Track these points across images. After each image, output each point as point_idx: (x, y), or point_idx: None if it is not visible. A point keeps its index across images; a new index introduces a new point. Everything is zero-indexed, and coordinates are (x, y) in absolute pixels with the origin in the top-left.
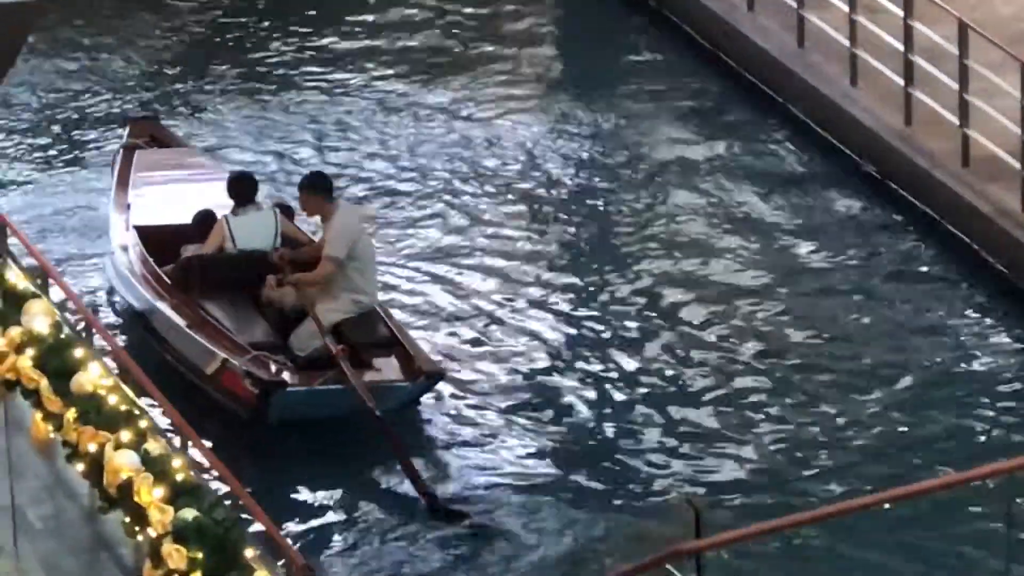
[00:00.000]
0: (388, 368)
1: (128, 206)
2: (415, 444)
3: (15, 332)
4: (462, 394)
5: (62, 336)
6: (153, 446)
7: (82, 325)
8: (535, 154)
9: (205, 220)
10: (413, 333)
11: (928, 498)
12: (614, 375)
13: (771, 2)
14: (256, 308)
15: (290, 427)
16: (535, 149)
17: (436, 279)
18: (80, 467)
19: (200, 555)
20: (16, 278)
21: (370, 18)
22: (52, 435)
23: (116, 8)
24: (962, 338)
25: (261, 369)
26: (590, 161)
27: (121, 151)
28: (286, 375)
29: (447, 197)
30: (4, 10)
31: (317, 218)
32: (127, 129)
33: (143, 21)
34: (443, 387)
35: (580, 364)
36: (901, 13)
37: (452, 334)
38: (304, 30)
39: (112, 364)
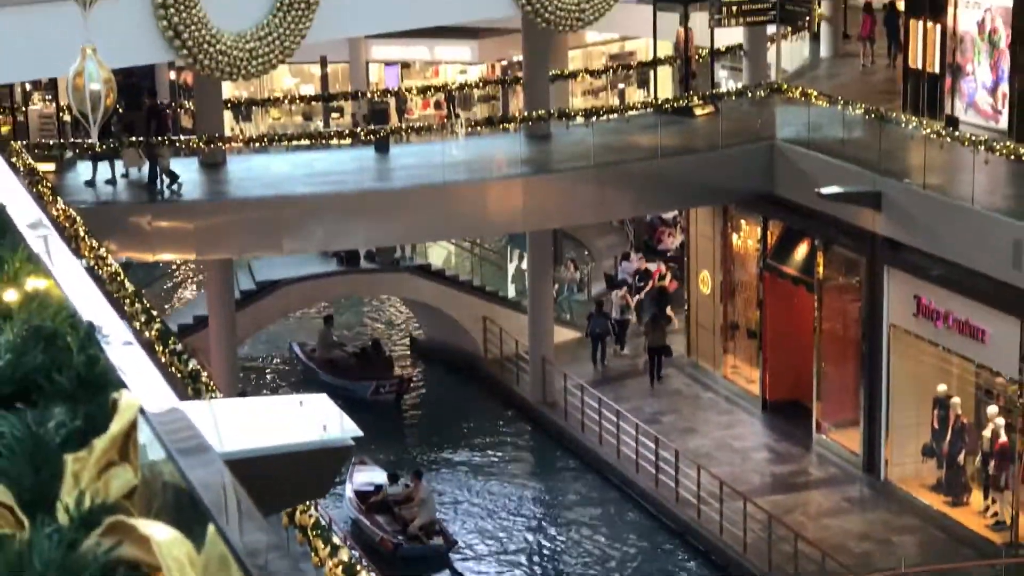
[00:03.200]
0: (437, 539)
1: (353, 482)
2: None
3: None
4: (465, 550)
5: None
6: None
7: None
8: (501, 495)
9: (379, 487)
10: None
11: None
12: (521, 546)
13: (586, 423)
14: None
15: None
16: (502, 493)
17: (457, 513)
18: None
19: None
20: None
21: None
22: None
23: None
24: (616, 527)
25: (398, 538)
26: (523, 495)
27: (352, 466)
28: (403, 542)
29: (464, 493)
30: (320, 455)
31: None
32: (353, 458)
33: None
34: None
35: (504, 534)
36: (617, 406)
37: (463, 524)
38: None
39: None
